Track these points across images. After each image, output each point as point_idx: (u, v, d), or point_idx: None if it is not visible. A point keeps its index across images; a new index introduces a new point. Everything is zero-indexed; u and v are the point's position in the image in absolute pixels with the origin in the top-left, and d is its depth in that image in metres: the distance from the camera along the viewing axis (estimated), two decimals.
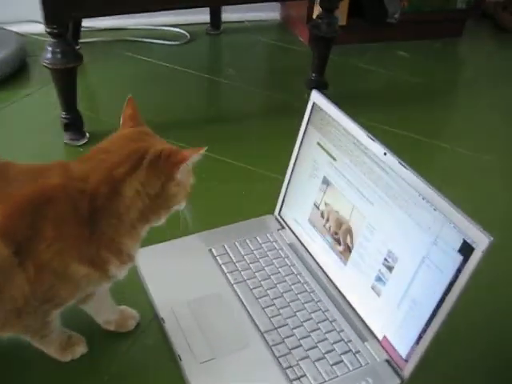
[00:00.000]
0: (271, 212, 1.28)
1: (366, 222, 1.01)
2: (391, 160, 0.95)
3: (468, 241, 0.83)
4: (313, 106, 1.13)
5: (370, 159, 0.99)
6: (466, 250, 0.83)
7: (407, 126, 1.73)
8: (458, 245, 0.84)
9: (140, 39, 2.15)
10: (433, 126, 1.83)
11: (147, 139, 0.84)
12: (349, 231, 1.05)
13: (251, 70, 2.09)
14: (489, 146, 1.70)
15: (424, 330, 0.90)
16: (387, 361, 0.98)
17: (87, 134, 1.54)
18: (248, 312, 1.04)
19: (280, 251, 1.18)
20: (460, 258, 0.84)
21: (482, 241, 0.81)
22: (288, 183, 1.22)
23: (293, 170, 1.20)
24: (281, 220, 1.26)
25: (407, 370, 0.94)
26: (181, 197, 0.85)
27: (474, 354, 1.06)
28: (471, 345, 1.07)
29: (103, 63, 1.99)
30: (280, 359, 0.96)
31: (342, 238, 1.07)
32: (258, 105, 1.92)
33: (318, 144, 1.12)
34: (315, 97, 1.12)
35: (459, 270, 0.84)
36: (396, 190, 0.94)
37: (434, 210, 0.88)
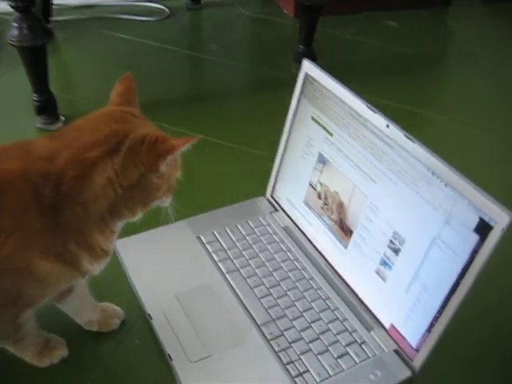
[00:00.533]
0: (263, 194, 1.19)
1: (368, 201, 0.93)
2: (395, 132, 0.86)
3: (485, 218, 0.75)
4: (305, 77, 1.03)
5: (370, 132, 0.91)
6: (483, 228, 0.75)
7: (399, 98, 1.65)
8: (474, 223, 0.76)
9: (117, 16, 2.02)
10: (425, 96, 1.75)
11: (132, 121, 0.72)
12: (349, 212, 0.97)
13: (235, 44, 1.98)
14: (483, 117, 1.63)
15: (436, 318, 0.83)
16: (396, 351, 0.90)
17: (62, 118, 1.44)
18: (243, 303, 0.96)
19: (274, 235, 1.10)
20: (476, 237, 0.76)
21: (501, 218, 0.73)
22: (280, 162, 1.13)
23: (285, 148, 1.11)
24: (273, 202, 1.17)
25: (418, 360, 0.87)
26: (162, 191, 0.74)
27: (490, 340, 0.98)
28: (487, 331, 1.00)
29: (78, 42, 1.87)
30: (280, 354, 0.88)
31: (341, 219, 0.99)
32: (244, 81, 1.82)
33: (312, 118, 1.03)
34: (307, 67, 1.02)
35: (475, 251, 0.76)
36: (401, 166, 0.86)
37: (445, 185, 0.79)
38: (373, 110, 0.90)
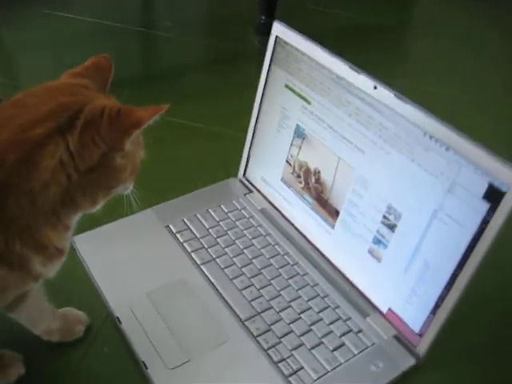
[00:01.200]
0: (235, 175, 1.08)
1: (355, 174, 0.83)
2: (384, 94, 0.77)
3: (495, 184, 0.66)
4: (276, 42, 0.92)
5: (355, 97, 0.81)
6: (494, 195, 0.66)
7: (371, 69, 1.55)
8: (483, 190, 0.67)
9: None
10: (396, 66, 1.66)
11: (84, 93, 0.61)
12: (334, 190, 0.87)
13: (191, 19, 1.85)
14: (455, 82, 1.55)
15: (442, 298, 0.74)
16: (396, 337, 0.82)
17: None
18: (222, 297, 0.85)
19: (251, 219, 0.99)
20: (486, 206, 0.67)
21: None
22: (252, 139, 1.02)
23: (256, 123, 1.01)
24: (247, 183, 1.06)
25: (423, 346, 0.78)
26: (127, 174, 0.64)
27: (503, 322, 0.90)
28: (499, 312, 0.91)
29: (18, 24, 1.71)
30: (269, 352, 0.78)
31: (325, 199, 0.89)
32: (204, 56, 1.71)
33: (287, 86, 0.92)
34: (278, 29, 0.92)
35: (485, 222, 0.68)
36: (393, 131, 0.76)
37: (447, 149, 0.70)
38: (356, 71, 0.80)
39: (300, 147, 0.92)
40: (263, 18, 1.63)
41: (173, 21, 1.79)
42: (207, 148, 1.22)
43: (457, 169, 0.70)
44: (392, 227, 0.79)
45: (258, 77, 0.97)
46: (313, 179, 0.91)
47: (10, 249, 0.57)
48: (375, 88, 0.78)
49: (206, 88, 1.49)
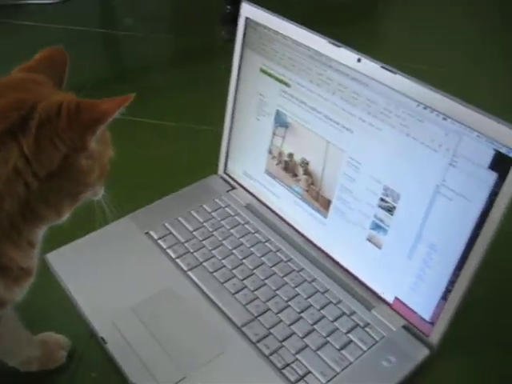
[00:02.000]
0: (214, 172, 1.02)
1: (345, 157, 0.77)
2: (370, 66, 0.70)
3: (502, 151, 0.60)
4: (246, 24, 0.86)
5: (337, 73, 0.74)
6: (501, 163, 0.61)
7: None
8: (488, 159, 0.62)
9: (11, 2, 1.77)
10: (378, 45, 1.60)
11: (37, 89, 0.53)
12: (325, 178, 0.81)
13: (152, 16, 1.78)
14: (440, 59, 1.50)
15: (452, 282, 0.68)
16: (406, 328, 0.76)
17: None
18: (215, 303, 0.78)
19: (237, 217, 0.93)
20: (493, 176, 0.62)
21: None
22: (230, 132, 0.96)
23: (233, 113, 0.94)
24: (229, 179, 1.00)
25: (435, 334, 0.72)
26: (95, 176, 0.56)
27: None
28: None
29: None
30: (272, 358, 0.72)
31: (316, 190, 0.82)
32: (170, 53, 1.64)
33: (262, 71, 0.86)
34: (247, 10, 0.85)
35: (494, 193, 0.62)
36: (382, 105, 0.70)
37: (444, 119, 0.64)
38: (336, 45, 0.74)
39: (284, 137, 0.86)
40: (228, 7, 1.57)
41: (134, 18, 1.72)
42: (182, 147, 1.15)
43: (457, 139, 0.64)
44: (390, 210, 0.73)
45: (230, 68, 0.91)
46: (300, 170, 0.84)
47: None
48: (359, 61, 0.71)
49: (174, 85, 1.42)
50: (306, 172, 0.83)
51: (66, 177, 0.52)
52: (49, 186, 0.51)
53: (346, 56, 0.73)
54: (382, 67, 0.69)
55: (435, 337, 0.72)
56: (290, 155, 0.86)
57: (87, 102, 0.52)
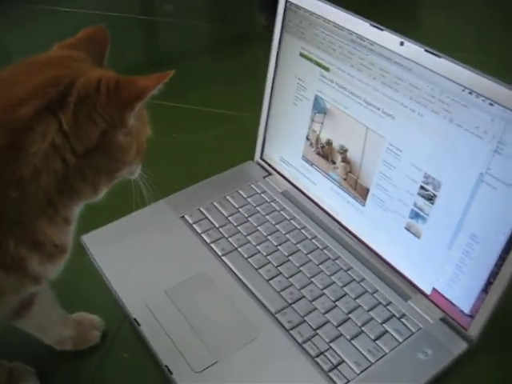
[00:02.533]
0: (251, 158, 1.01)
1: (385, 143, 0.75)
2: (413, 50, 0.68)
3: None
4: (286, 7, 0.84)
5: (379, 57, 0.73)
6: None
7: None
8: None
9: None
10: (417, 29, 1.56)
11: (75, 65, 0.53)
12: (363, 166, 0.79)
13: (192, 3, 1.77)
14: (479, 47, 1.45)
15: (494, 274, 0.66)
16: (444, 320, 0.74)
17: None
18: (249, 289, 0.78)
19: (272, 203, 0.92)
20: None
21: None
22: (267, 117, 0.95)
23: (271, 99, 0.93)
24: (265, 165, 0.99)
25: (474, 328, 0.70)
26: (133, 154, 0.56)
27: None
28: None
29: (12, 21, 1.64)
30: (305, 346, 0.71)
31: (354, 179, 0.81)
32: (209, 41, 1.63)
33: (301, 55, 0.84)
34: None
35: None
36: (425, 90, 0.68)
37: (491, 104, 0.62)
38: (379, 28, 0.72)
39: (322, 123, 0.84)
40: None
41: (174, 5, 1.72)
42: (220, 133, 1.14)
43: (503, 125, 0.61)
44: (431, 198, 0.71)
45: (269, 55, 0.89)
46: (339, 158, 0.82)
47: (2, 249, 0.50)
48: (402, 44, 0.69)
49: (214, 72, 1.42)
50: (345, 159, 0.81)
51: (104, 153, 0.52)
52: (86, 162, 0.51)
53: (388, 39, 0.71)
54: (426, 51, 0.67)
55: (474, 330, 0.70)
56: (328, 142, 0.84)
57: (126, 79, 0.51)
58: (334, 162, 0.84)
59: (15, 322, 0.65)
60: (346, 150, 0.81)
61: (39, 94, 0.48)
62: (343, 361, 0.69)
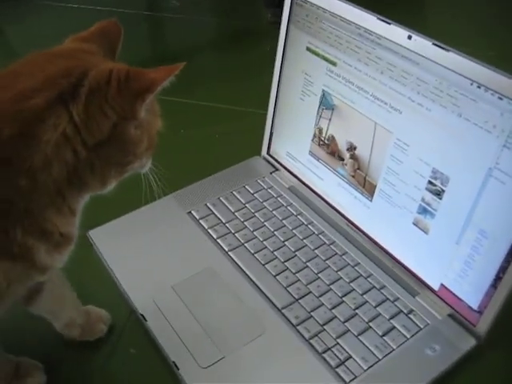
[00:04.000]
0: (258, 154, 1.00)
1: (393, 138, 0.74)
2: (421, 43, 0.68)
3: None
4: (292, 1, 0.84)
5: (387, 51, 0.72)
6: None
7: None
8: None
9: None
10: (422, 26, 1.55)
11: (87, 58, 0.53)
12: (372, 161, 0.78)
13: None
14: (485, 44, 1.44)
15: (503, 269, 0.65)
16: (452, 316, 0.73)
17: None
18: (256, 285, 0.77)
19: (279, 199, 0.91)
20: None
21: None
22: (274, 112, 0.94)
23: (277, 94, 0.92)
24: (272, 160, 0.98)
25: (483, 324, 0.70)
26: (144, 147, 0.56)
27: None
28: None
29: (18, 18, 1.64)
30: (312, 342, 0.70)
31: (363, 176, 0.80)
32: (216, 36, 1.63)
33: (308, 49, 0.84)
34: None
35: None
36: (433, 85, 0.67)
37: (500, 98, 0.61)
38: (386, 22, 0.72)
39: (329, 119, 0.83)
40: None
41: (180, 0, 1.71)
42: (228, 128, 1.14)
43: None
44: (439, 193, 0.70)
45: (275, 50, 0.89)
46: (347, 155, 0.82)
47: (10, 238, 0.50)
48: (409, 38, 0.69)
49: (220, 67, 1.42)
50: (353, 156, 0.81)
51: (115, 146, 0.52)
52: (97, 154, 0.51)
53: (396, 33, 0.70)
54: (434, 44, 0.66)
55: (483, 327, 0.70)
56: (335, 138, 0.83)
57: (137, 70, 0.51)
58: (342, 159, 0.83)
59: (29, 306, 0.65)
60: (355, 148, 0.80)
61: (51, 84, 0.49)
62: (350, 356, 0.69)
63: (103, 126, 0.50)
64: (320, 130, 0.86)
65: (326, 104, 0.83)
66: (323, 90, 0.83)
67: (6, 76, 0.50)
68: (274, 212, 0.89)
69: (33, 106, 0.47)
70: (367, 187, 0.80)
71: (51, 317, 0.70)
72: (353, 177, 0.82)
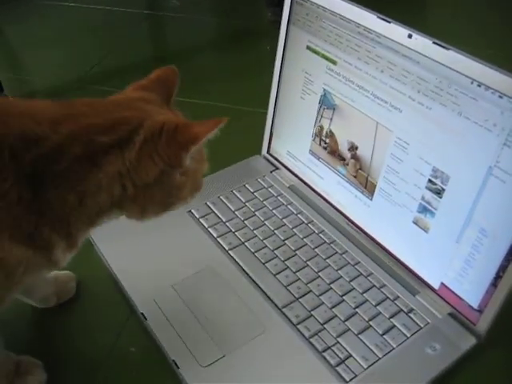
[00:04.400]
0: (258, 153, 1.00)
1: (393, 137, 0.74)
2: (421, 42, 0.68)
3: None
4: (292, 0, 0.84)
5: (387, 50, 0.72)
6: None
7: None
8: None
9: None
10: (422, 25, 1.55)
11: (145, 108, 0.57)
12: (374, 161, 0.78)
13: None
14: (485, 44, 1.44)
15: (503, 268, 0.65)
16: (452, 315, 0.73)
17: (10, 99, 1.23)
18: (256, 284, 0.77)
19: (279, 198, 0.91)
20: None
21: None
22: (274, 111, 0.94)
23: (278, 93, 0.92)
24: (272, 159, 0.98)
25: (483, 323, 0.70)
26: (187, 191, 0.61)
27: None
28: None
29: (18, 18, 1.64)
30: (312, 340, 0.70)
31: (365, 174, 0.80)
32: (215, 35, 1.63)
33: (308, 48, 0.84)
34: None
35: None
36: (434, 83, 0.67)
37: (500, 97, 0.61)
38: (386, 21, 0.72)
39: (330, 118, 0.83)
40: None
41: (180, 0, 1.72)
42: (228, 127, 1.12)
43: None
44: (439, 192, 0.70)
45: (275, 50, 0.89)
46: (349, 155, 0.82)
47: (38, 231, 0.53)
48: (410, 36, 0.69)
49: (220, 67, 1.42)
50: (354, 156, 0.81)
51: (160, 189, 0.57)
52: (144, 193, 0.56)
53: (396, 32, 0.70)
54: (434, 43, 0.66)
55: (483, 325, 0.70)
56: (336, 136, 0.83)
57: (183, 124, 0.56)
58: (342, 158, 0.83)
59: None
60: (356, 148, 0.80)
61: (114, 128, 0.53)
62: (350, 355, 0.69)
63: (152, 171, 0.55)
64: (320, 129, 0.86)
65: (326, 103, 0.83)
66: (324, 89, 0.83)
67: (87, 105, 0.55)
68: (274, 211, 0.89)
69: (101, 142, 0.52)
70: (367, 186, 0.80)
71: (27, 295, 0.74)
72: (354, 177, 0.82)
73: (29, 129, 0.51)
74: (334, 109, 0.82)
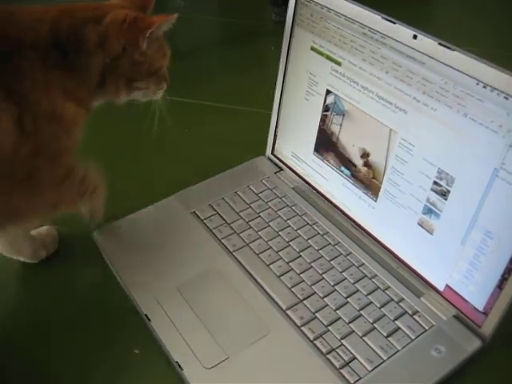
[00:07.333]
0: (262, 154, 1.00)
1: (397, 138, 0.74)
2: (426, 43, 0.67)
3: None
4: (297, 0, 0.84)
5: (392, 51, 0.72)
6: None
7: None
8: None
9: None
10: (428, 25, 1.54)
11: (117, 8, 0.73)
12: (387, 167, 0.78)
13: None
14: (492, 43, 1.43)
15: (509, 269, 0.65)
16: (457, 317, 0.73)
17: None
18: (260, 285, 0.77)
19: (284, 199, 0.91)
20: None
21: None
22: (278, 112, 0.94)
23: (282, 94, 0.92)
24: (276, 160, 0.98)
25: (488, 325, 0.69)
26: (144, 70, 0.74)
27: None
28: None
29: None
30: (316, 342, 0.70)
31: (378, 182, 0.80)
32: (220, 35, 1.62)
33: (313, 49, 0.83)
34: None
35: None
36: (439, 84, 0.67)
37: (506, 98, 0.61)
38: (391, 21, 0.71)
39: (341, 125, 0.83)
40: None
41: None
42: (231, 128, 1.13)
43: None
44: (444, 194, 0.70)
45: (280, 50, 0.89)
46: (360, 162, 0.81)
47: (75, 89, 0.70)
48: (415, 37, 0.68)
49: (225, 67, 1.42)
50: (367, 164, 0.80)
51: (125, 63, 0.71)
52: (115, 64, 0.70)
53: (401, 33, 0.70)
54: (440, 44, 0.66)
55: (488, 328, 0.69)
56: (340, 138, 0.83)
57: (142, 16, 0.71)
58: (348, 160, 0.83)
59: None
60: (368, 155, 0.79)
61: (91, 10, 0.70)
62: (355, 358, 0.68)
63: (116, 45, 0.69)
64: (323, 129, 0.85)
65: (336, 110, 0.83)
66: (328, 90, 0.83)
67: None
68: (278, 212, 0.89)
69: (82, 15, 0.69)
70: (372, 187, 0.80)
71: (17, 254, 0.83)
72: (356, 173, 0.82)
73: (54, 23, 0.67)
74: (343, 115, 0.82)
